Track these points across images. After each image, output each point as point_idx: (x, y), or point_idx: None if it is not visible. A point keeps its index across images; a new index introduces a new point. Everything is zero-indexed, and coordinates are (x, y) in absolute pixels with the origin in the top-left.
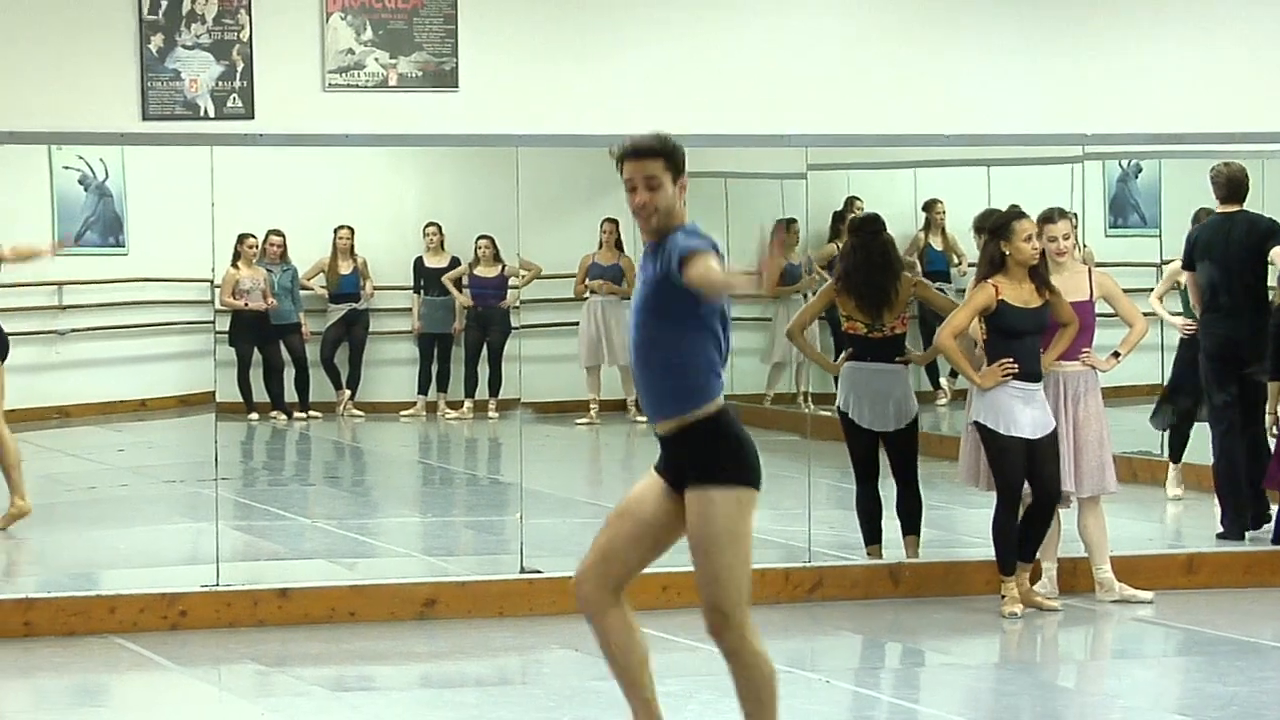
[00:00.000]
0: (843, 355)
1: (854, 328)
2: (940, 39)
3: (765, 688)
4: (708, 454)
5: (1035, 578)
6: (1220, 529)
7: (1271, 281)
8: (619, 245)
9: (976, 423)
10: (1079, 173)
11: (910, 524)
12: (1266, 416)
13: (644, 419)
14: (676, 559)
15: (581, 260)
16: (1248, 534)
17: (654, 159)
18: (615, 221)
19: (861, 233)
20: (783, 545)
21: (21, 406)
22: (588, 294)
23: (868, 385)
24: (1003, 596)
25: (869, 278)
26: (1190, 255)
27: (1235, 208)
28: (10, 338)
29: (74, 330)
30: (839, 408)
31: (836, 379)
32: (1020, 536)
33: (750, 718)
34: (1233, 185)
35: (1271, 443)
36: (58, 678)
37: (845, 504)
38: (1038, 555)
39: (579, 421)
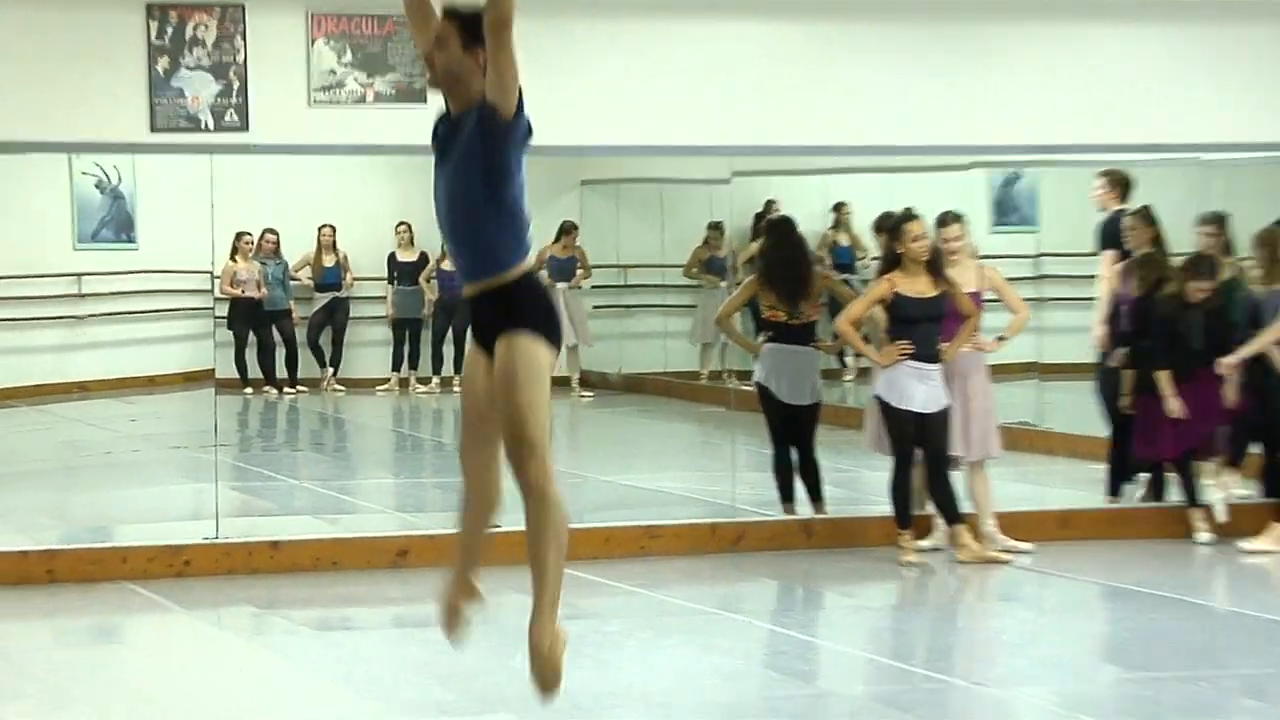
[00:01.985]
0: (762, 337)
1: (775, 315)
2: (849, 62)
3: (563, 530)
4: (522, 307)
5: (924, 533)
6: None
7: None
8: (565, 237)
9: (877, 396)
10: (968, 179)
11: (814, 492)
12: (1123, 398)
13: (588, 394)
14: (615, 515)
15: (539, 252)
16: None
17: (452, 21)
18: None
19: (778, 233)
20: (709, 503)
21: (46, 382)
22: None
23: (785, 364)
24: (899, 547)
25: (787, 273)
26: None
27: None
28: (37, 321)
29: (92, 315)
30: (759, 382)
31: (756, 358)
32: (937, 501)
33: (542, 561)
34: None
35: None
36: (77, 619)
37: (764, 467)
38: (920, 512)
39: None
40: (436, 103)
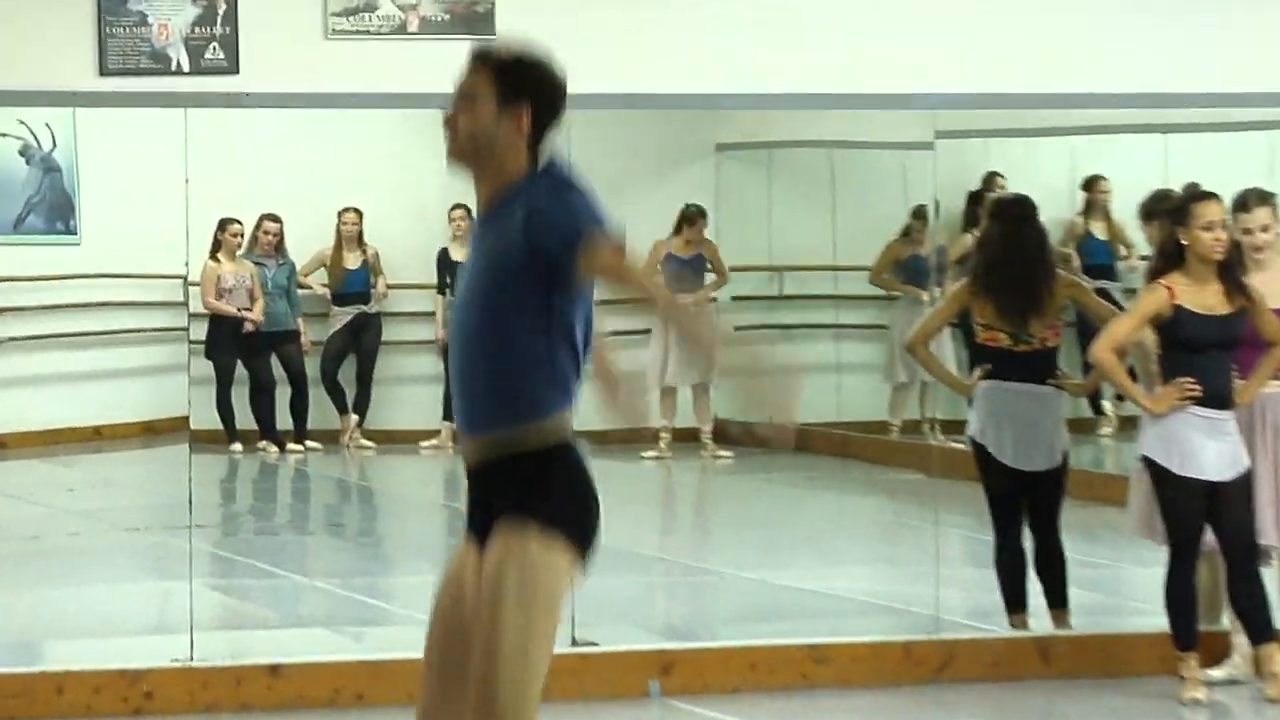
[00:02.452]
0: (978, 372)
1: (994, 339)
2: None
3: None
4: (531, 487)
5: (1218, 658)
6: None
7: None
8: (688, 228)
9: (1146, 458)
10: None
11: (1056, 594)
12: None
13: (725, 453)
14: (766, 629)
15: (654, 247)
16: None
17: (482, 70)
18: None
19: (1006, 218)
20: (903, 612)
21: None
22: None
23: (1010, 411)
24: (1182, 678)
25: (1015, 275)
26: None
27: None
28: None
29: (12, 339)
30: (973, 437)
31: (970, 401)
32: (1239, 609)
33: None
34: None
35: None
36: None
37: (982, 560)
38: (1212, 627)
39: (646, 454)
40: (508, 34)
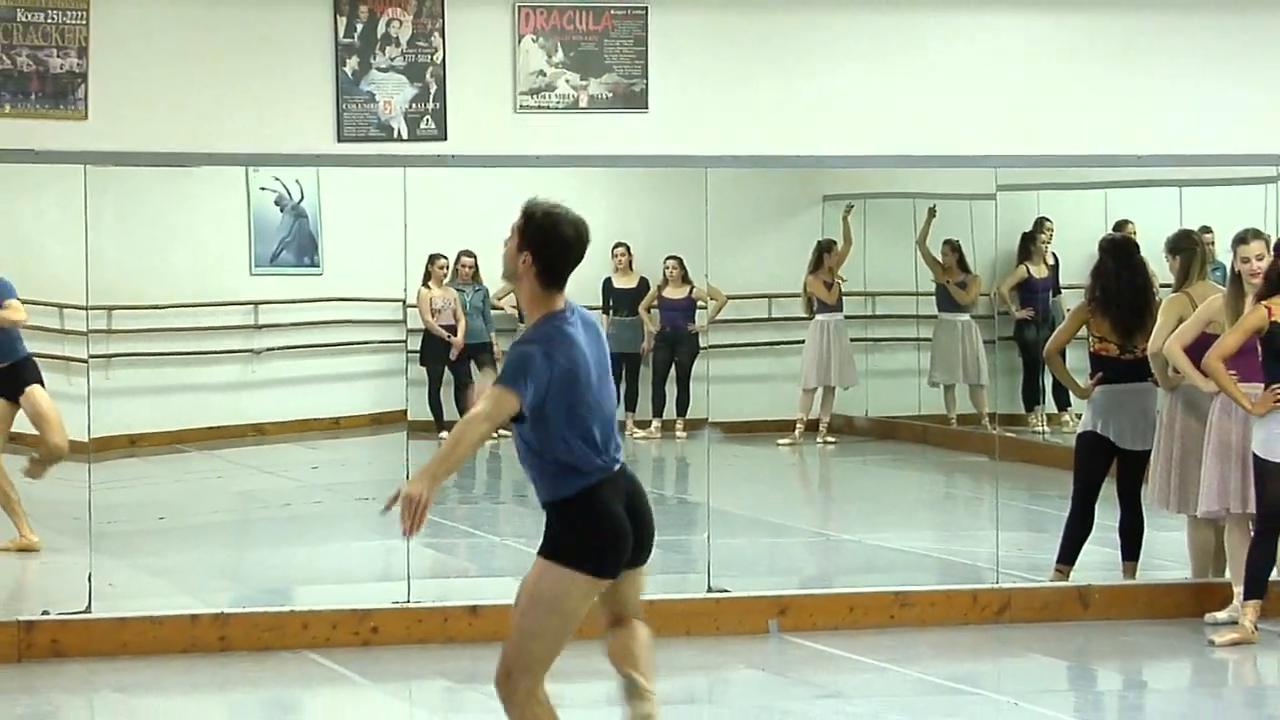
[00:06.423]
0: (1095, 378)
1: (1105, 349)
2: (1132, 59)
3: None
4: (556, 530)
5: (1226, 603)
6: None
7: None
8: (829, 256)
9: (1257, 456)
10: (1274, 194)
11: (1133, 549)
12: None
13: (832, 440)
14: (861, 579)
15: (808, 283)
16: None
17: (519, 219)
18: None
19: (1118, 254)
20: (970, 566)
21: (219, 424)
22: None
23: (1122, 406)
24: (1220, 621)
25: (1125, 299)
26: None
27: None
28: (208, 356)
29: (269, 349)
30: (1089, 429)
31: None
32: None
33: None
34: None
35: None
36: (252, 692)
37: (1036, 525)
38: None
39: (781, 441)
40: (658, 109)
